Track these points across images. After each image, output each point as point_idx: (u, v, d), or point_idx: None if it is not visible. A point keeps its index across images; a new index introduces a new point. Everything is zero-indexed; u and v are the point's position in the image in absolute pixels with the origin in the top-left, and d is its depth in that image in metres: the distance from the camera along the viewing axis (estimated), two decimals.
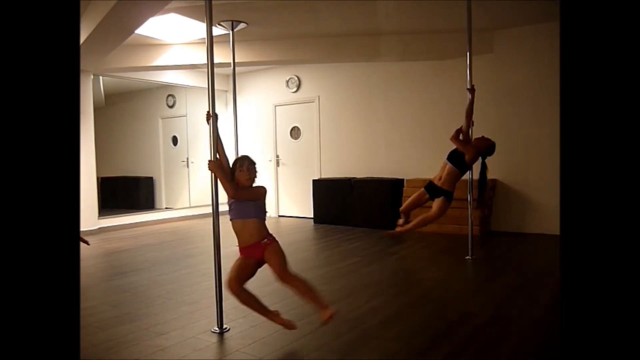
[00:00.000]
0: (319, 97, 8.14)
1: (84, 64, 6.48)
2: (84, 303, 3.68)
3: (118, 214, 7.85)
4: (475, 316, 3.19)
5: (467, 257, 4.82)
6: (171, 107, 9.24)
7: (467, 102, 4.62)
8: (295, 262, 4.89)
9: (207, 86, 2.94)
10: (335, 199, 7.46)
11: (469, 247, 4.85)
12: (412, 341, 2.78)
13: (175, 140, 9.15)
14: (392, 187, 6.88)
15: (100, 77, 7.62)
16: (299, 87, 8.38)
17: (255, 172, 3.08)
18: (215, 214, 3.04)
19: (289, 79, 8.44)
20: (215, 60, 3.00)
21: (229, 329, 2.98)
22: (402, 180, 6.97)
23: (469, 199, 4.92)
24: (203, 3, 4.83)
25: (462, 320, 3.12)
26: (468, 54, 4.73)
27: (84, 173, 7.04)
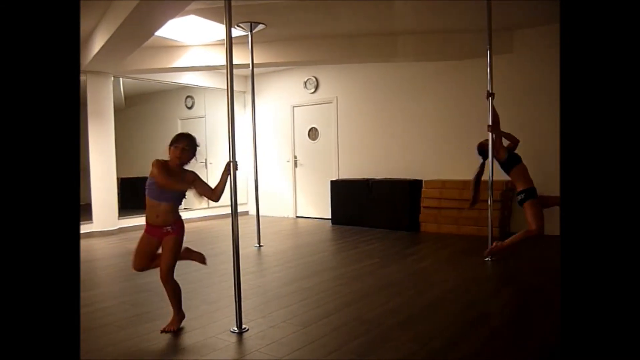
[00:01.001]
0: (336, 97, 8.14)
1: (104, 66, 6.59)
2: (104, 302, 3.73)
3: (137, 214, 7.93)
4: (494, 318, 3.15)
5: (487, 259, 4.77)
6: (190, 108, 9.32)
7: (490, 109, 4.59)
8: (313, 263, 4.91)
9: (225, 87, 2.96)
10: (353, 200, 7.45)
11: (489, 248, 4.80)
12: (430, 342, 2.76)
13: None
14: (411, 188, 6.84)
15: (121, 79, 7.71)
16: (317, 88, 8.38)
17: (192, 155, 3.07)
18: (234, 214, 3.05)
19: (307, 79, 8.45)
20: (234, 62, 3.01)
21: (247, 329, 2.99)
22: (421, 181, 6.93)
23: (489, 201, 4.87)
24: (222, 5, 4.87)
25: (481, 322, 3.09)
26: (488, 53, 4.69)
27: (104, 174, 7.15)
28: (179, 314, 3.05)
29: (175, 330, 2.98)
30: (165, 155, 3.05)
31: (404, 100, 7.36)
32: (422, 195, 6.77)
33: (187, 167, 3.06)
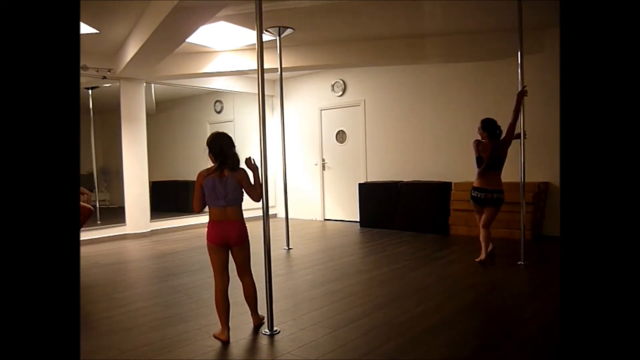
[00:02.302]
0: (364, 100, 8.13)
1: (137, 72, 6.74)
2: (138, 303, 3.81)
3: (169, 217, 8.07)
4: (528, 323, 3.10)
5: (519, 262, 4.69)
6: (219, 112, 9.45)
7: (516, 104, 4.54)
8: (342, 266, 4.91)
9: (253, 91, 3.01)
10: (381, 203, 7.43)
11: (521, 251, 4.71)
12: (462, 348, 2.74)
13: None
14: (440, 191, 6.78)
15: (152, 85, 7.87)
16: (344, 90, 8.39)
17: (211, 155, 3.03)
18: (266, 217, 3.08)
19: (335, 82, 8.47)
20: (267, 66, 3.05)
21: (279, 331, 3.02)
22: (450, 183, 6.86)
23: (521, 203, 4.78)
24: (250, 11, 4.96)
25: (515, 328, 3.04)
26: (519, 53, 4.62)
27: (136, 177, 7.30)
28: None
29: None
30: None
31: (432, 102, 7.30)
32: (452, 198, 6.70)
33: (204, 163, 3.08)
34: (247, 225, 3.01)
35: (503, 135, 4.61)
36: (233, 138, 3.02)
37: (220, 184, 2.91)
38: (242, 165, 3.01)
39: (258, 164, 3.03)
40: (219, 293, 2.94)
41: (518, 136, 4.64)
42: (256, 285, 3.11)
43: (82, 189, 8.13)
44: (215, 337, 2.92)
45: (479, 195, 4.66)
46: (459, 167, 6.96)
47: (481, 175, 4.67)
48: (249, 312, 3.15)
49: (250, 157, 3.03)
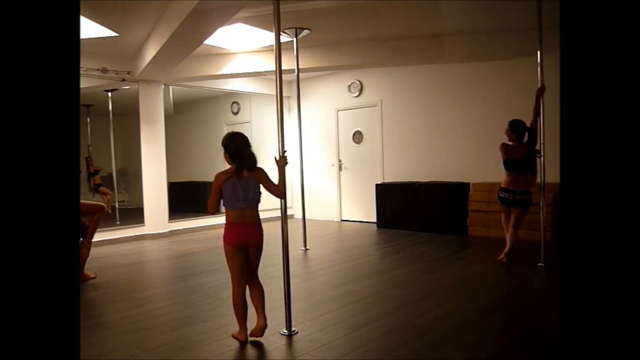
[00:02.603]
0: (381, 101, 8.10)
1: (155, 74, 6.81)
2: (157, 303, 3.85)
3: (186, 217, 8.14)
4: (548, 327, 3.06)
5: (539, 264, 4.63)
6: (236, 114, 9.50)
7: (535, 101, 4.51)
8: (359, 267, 4.90)
9: (270, 92, 3.01)
10: (398, 204, 7.39)
11: (541, 253, 4.65)
12: (481, 351, 2.71)
13: None
14: (458, 192, 6.73)
15: (170, 87, 7.95)
16: (361, 91, 8.38)
17: (226, 155, 2.96)
18: (284, 218, 3.09)
19: (351, 83, 8.46)
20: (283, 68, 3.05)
21: (297, 332, 3.02)
22: (468, 184, 6.81)
23: (541, 204, 4.72)
24: (267, 12, 4.98)
25: (535, 331, 3.01)
26: (539, 52, 4.57)
27: (155, 178, 7.38)
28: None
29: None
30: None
31: (450, 102, 7.25)
32: (470, 199, 6.64)
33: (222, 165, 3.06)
34: (266, 225, 2.99)
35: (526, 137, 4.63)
36: (250, 139, 2.98)
37: (241, 186, 2.84)
38: (260, 164, 2.97)
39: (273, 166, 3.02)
40: (237, 295, 2.93)
41: (538, 152, 4.62)
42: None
43: (105, 189, 8.27)
44: (233, 336, 2.93)
45: (506, 196, 4.69)
46: (477, 168, 6.90)
47: (510, 176, 4.67)
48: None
49: (284, 155, 3.04)
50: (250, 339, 2.91)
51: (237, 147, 2.87)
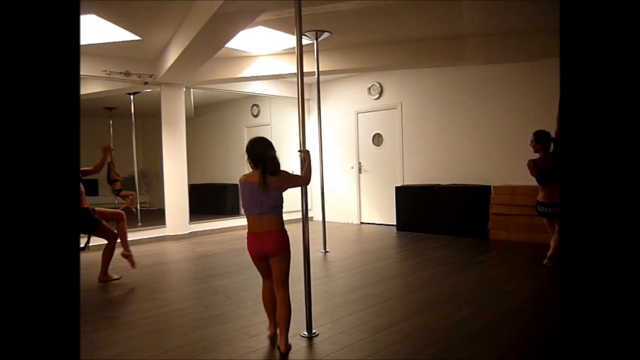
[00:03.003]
0: (401, 103, 8.08)
1: (177, 78, 6.89)
2: (179, 304, 3.89)
3: (207, 219, 8.21)
4: None
5: None
6: (256, 116, 9.56)
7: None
8: (379, 269, 4.89)
9: (290, 95, 3.02)
10: (418, 206, 7.35)
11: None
12: (503, 355, 2.68)
13: None
14: (479, 194, 6.67)
15: (192, 90, 8.03)
16: (381, 93, 8.36)
17: (250, 160, 2.88)
18: (305, 221, 3.10)
19: (371, 85, 8.45)
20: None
21: (317, 334, 3.02)
22: (489, 187, 6.74)
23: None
24: (288, 15, 5.00)
25: (557, 336, 2.96)
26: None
27: (176, 180, 7.46)
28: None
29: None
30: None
31: (471, 104, 7.19)
32: (491, 202, 6.58)
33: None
34: (288, 227, 2.91)
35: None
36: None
37: (259, 190, 2.75)
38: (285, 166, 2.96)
39: (296, 168, 3.03)
40: (266, 293, 2.97)
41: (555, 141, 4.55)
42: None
43: (126, 192, 8.40)
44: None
45: (546, 211, 4.71)
46: (498, 170, 6.83)
47: (545, 189, 4.63)
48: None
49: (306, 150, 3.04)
50: (271, 342, 2.92)
51: (260, 152, 2.80)
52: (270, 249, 2.80)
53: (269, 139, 2.91)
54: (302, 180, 2.98)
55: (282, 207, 2.85)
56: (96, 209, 4.67)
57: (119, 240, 4.76)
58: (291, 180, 2.90)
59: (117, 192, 8.42)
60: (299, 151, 3.08)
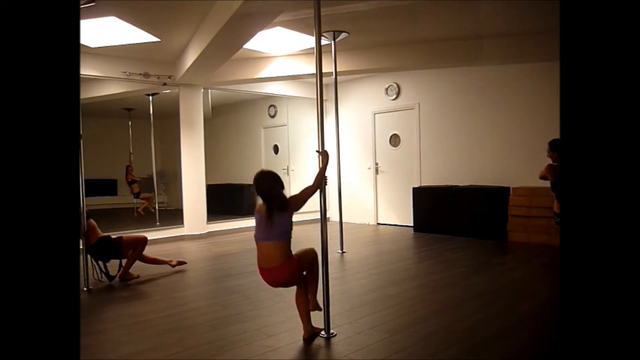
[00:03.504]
0: (419, 104, 8.04)
1: (195, 78, 6.94)
2: (197, 303, 3.92)
3: (224, 219, 8.26)
4: None
5: None
6: (273, 117, 9.59)
7: None
8: (396, 271, 4.87)
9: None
10: (436, 207, 7.31)
11: None
12: (522, 359, 2.65)
13: (276, 149, 9.49)
14: (497, 196, 6.60)
15: (209, 91, 8.08)
16: (398, 94, 8.33)
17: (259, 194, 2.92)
18: (323, 220, 3.10)
19: (389, 86, 8.42)
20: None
21: (335, 334, 3.02)
22: (508, 188, 6.67)
23: None
24: (306, 16, 5.01)
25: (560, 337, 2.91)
26: None
27: (194, 180, 7.52)
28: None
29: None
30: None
31: (489, 105, 7.13)
32: (510, 203, 6.50)
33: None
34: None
35: None
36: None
37: (268, 218, 2.81)
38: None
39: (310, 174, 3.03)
40: (298, 295, 3.04)
41: None
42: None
43: (145, 194, 8.49)
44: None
45: None
46: (517, 171, 6.76)
47: (559, 200, 4.47)
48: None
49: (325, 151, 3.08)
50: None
51: (268, 189, 2.85)
52: (283, 282, 2.93)
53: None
54: (311, 190, 3.00)
55: (290, 234, 2.88)
56: (124, 237, 4.79)
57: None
58: (302, 200, 2.96)
59: (136, 195, 8.51)
60: (317, 151, 3.10)
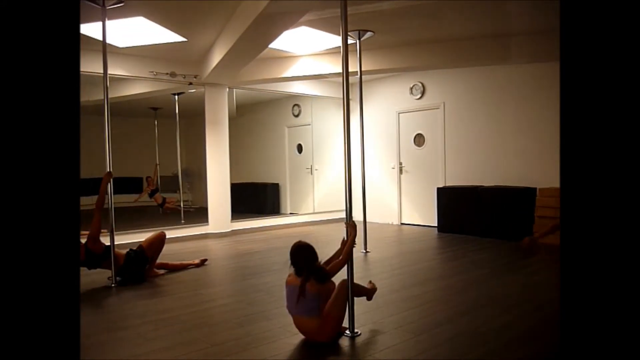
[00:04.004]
0: (444, 103, 7.97)
1: (221, 78, 7.01)
2: (223, 300, 3.96)
3: (247, 217, 8.32)
4: None
5: None
6: (296, 116, 9.62)
7: None
8: (420, 271, 4.84)
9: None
10: (460, 208, 7.24)
11: None
12: None
13: (300, 148, 9.53)
14: (524, 197, 6.51)
15: (234, 90, 8.15)
16: (423, 93, 8.28)
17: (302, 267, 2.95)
18: (349, 218, 3.10)
19: (413, 85, 8.37)
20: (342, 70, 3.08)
21: (359, 334, 3.03)
22: (535, 189, 6.57)
23: None
24: (331, 15, 5.02)
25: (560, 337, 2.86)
26: None
27: (219, 179, 7.60)
28: None
29: None
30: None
31: (515, 104, 7.03)
32: (537, 204, 6.41)
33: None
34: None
35: None
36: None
37: (301, 293, 2.83)
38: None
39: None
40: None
41: None
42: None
43: (169, 200, 8.58)
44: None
45: None
46: (544, 172, 6.65)
47: None
48: None
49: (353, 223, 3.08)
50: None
51: (304, 262, 2.89)
52: (326, 340, 2.91)
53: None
54: (341, 264, 2.99)
55: (320, 310, 2.87)
56: (143, 244, 4.77)
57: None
58: (333, 273, 2.96)
59: (161, 205, 8.55)
60: (345, 223, 3.11)
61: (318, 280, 2.85)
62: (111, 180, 4.45)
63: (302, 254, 2.93)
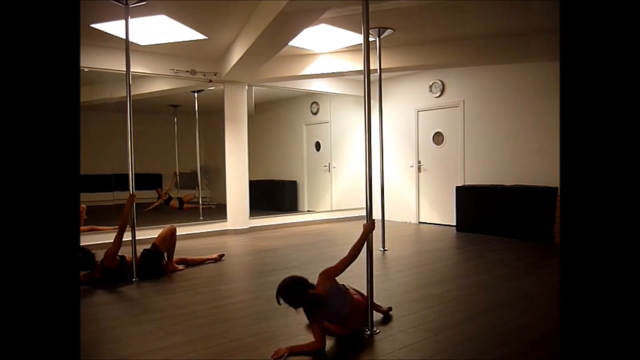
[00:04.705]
0: (463, 101, 7.91)
1: (240, 75, 7.05)
2: (241, 296, 3.99)
3: (265, 215, 8.36)
4: None
5: None
6: (315, 114, 9.63)
7: None
8: (439, 270, 4.82)
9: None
10: (480, 207, 7.19)
11: None
12: None
13: (318, 146, 9.54)
14: (544, 196, 6.43)
15: (253, 88, 8.19)
16: (442, 91, 8.22)
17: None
18: (369, 217, 3.10)
19: (433, 83, 8.32)
20: (362, 68, 3.08)
21: (378, 332, 3.03)
22: (556, 188, 6.48)
23: None
24: (352, 12, 5.01)
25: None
26: None
27: (238, 176, 7.65)
28: None
29: None
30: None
31: (536, 102, 6.94)
32: (558, 204, 6.32)
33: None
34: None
35: None
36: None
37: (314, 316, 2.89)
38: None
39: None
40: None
41: None
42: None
43: (187, 199, 8.62)
44: None
45: None
46: None
47: None
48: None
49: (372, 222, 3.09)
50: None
51: (297, 302, 2.90)
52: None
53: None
54: (348, 260, 2.99)
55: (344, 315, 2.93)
56: (155, 241, 4.82)
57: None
58: (337, 271, 2.99)
59: (180, 208, 8.57)
60: (363, 225, 3.10)
61: (307, 312, 2.85)
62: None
63: (292, 294, 2.91)
